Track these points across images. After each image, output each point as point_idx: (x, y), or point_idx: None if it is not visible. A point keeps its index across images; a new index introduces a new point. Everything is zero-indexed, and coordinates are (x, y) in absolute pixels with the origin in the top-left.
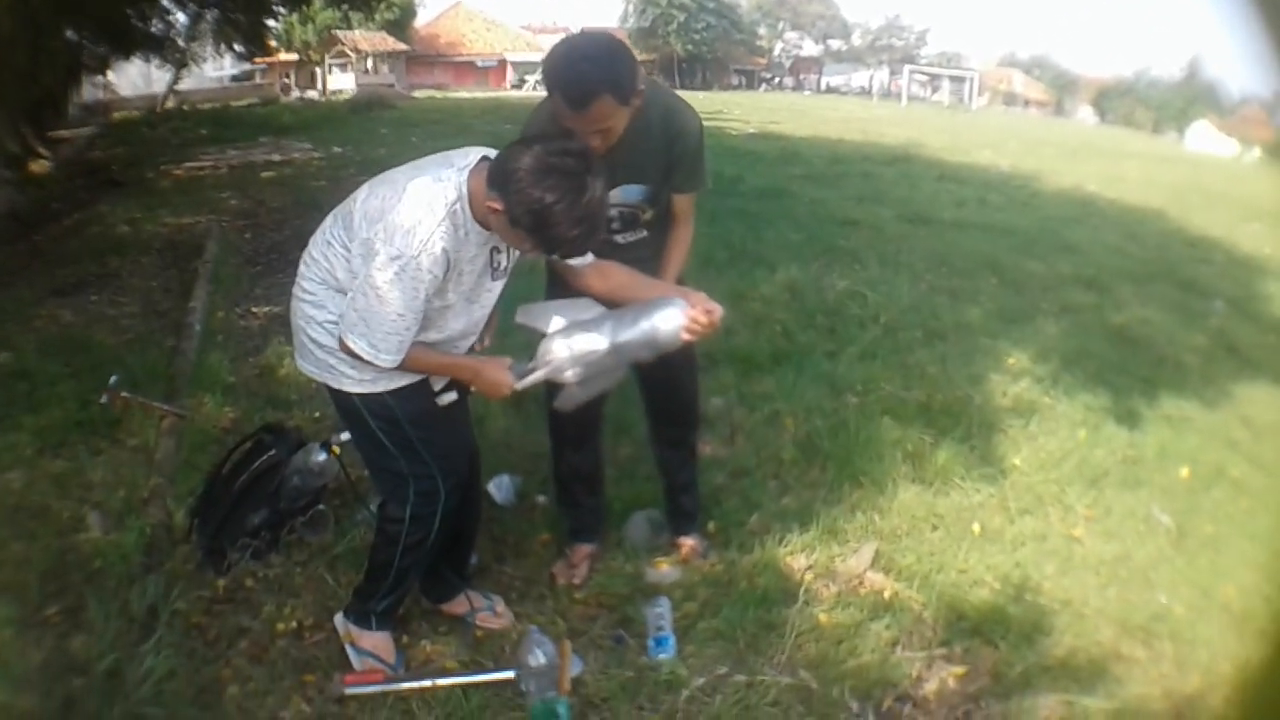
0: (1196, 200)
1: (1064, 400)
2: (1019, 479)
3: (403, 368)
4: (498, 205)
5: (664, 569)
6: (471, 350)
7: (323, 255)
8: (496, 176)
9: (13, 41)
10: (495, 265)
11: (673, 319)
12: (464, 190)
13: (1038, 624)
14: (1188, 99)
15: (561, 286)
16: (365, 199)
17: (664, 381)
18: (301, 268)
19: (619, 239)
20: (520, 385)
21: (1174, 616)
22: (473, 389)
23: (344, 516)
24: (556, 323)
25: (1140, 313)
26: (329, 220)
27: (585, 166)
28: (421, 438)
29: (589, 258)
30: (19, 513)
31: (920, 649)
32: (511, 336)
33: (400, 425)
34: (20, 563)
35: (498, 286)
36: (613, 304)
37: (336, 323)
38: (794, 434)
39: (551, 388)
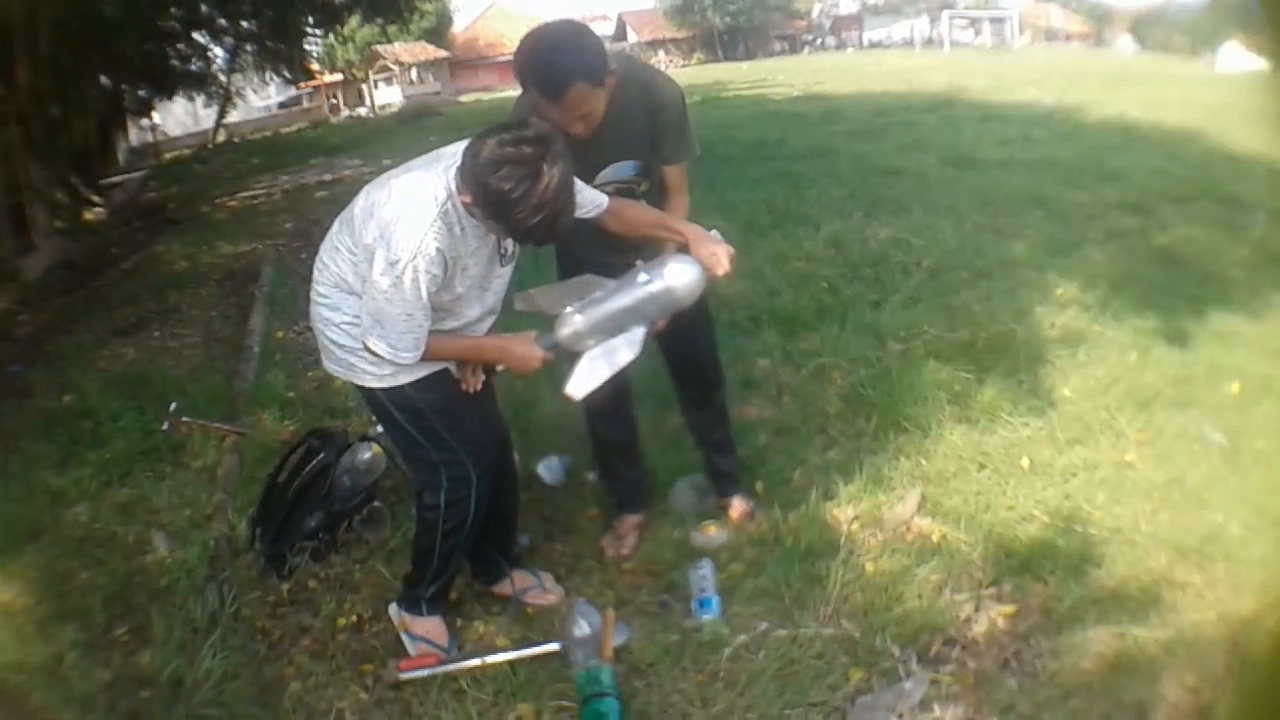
0: (1234, 119)
1: (1112, 325)
2: (1068, 409)
3: (427, 359)
4: (466, 198)
5: (711, 533)
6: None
7: (331, 260)
8: (463, 169)
9: (36, 93)
10: (503, 251)
11: (684, 274)
12: (452, 187)
13: (1087, 555)
14: (1216, 20)
15: (570, 262)
16: (363, 204)
17: (681, 343)
18: (315, 273)
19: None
20: (549, 354)
21: (1228, 537)
22: (499, 368)
23: (400, 511)
24: (562, 303)
25: (1185, 232)
26: (335, 225)
27: (542, 153)
28: (447, 425)
29: (603, 203)
30: (86, 543)
31: (968, 591)
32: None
33: (424, 415)
34: (87, 589)
35: (507, 271)
36: (630, 241)
37: (353, 323)
38: (839, 387)
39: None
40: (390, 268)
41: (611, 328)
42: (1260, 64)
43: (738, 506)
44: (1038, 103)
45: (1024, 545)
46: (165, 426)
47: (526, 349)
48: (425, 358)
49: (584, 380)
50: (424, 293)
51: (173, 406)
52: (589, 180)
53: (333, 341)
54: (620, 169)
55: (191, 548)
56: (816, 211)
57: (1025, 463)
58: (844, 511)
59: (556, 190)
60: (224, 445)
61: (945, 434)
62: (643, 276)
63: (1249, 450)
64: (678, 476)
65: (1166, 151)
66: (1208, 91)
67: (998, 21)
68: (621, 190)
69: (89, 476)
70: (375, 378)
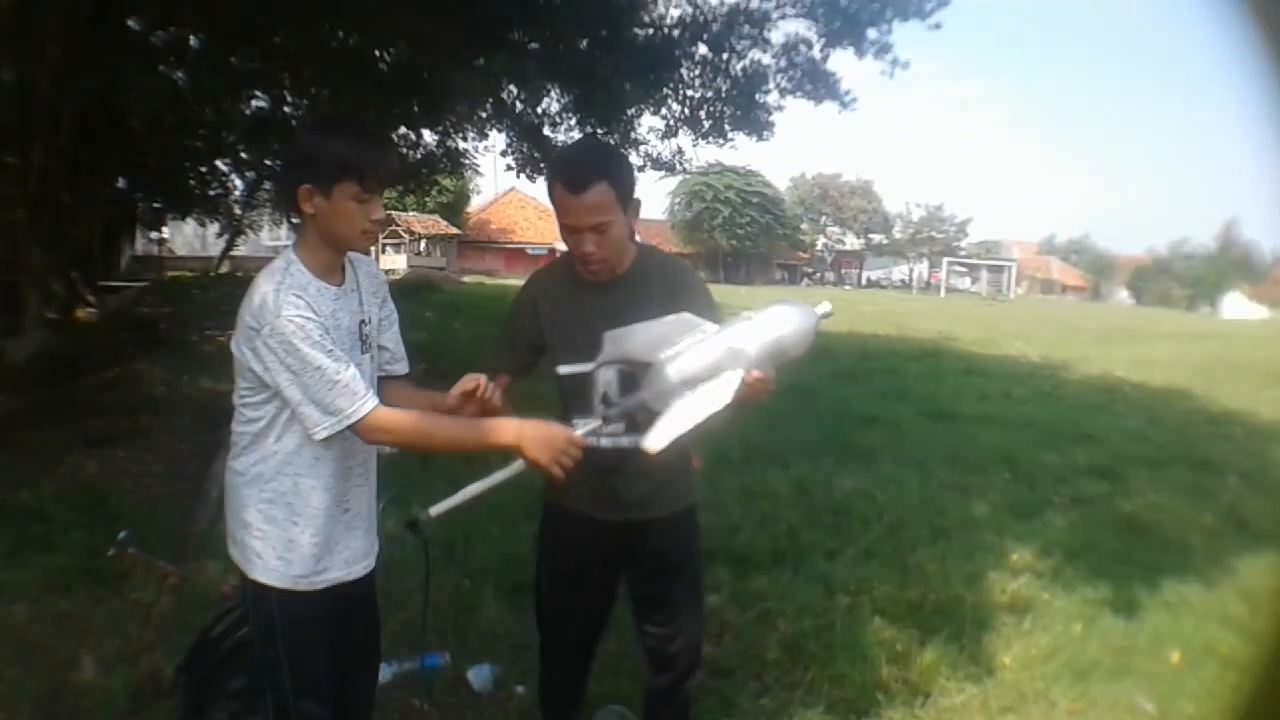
0: (1222, 374)
1: (1062, 595)
2: (1006, 677)
3: (411, 443)
4: (302, 188)
5: None
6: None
7: (241, 402)
8: (282, 183)
9: (49, 178)
10: (364, 337)
11: (793, 318)
12: (291, 255)
13: None
14: (1221, 271)
15: (575, 395)
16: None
17: (665, 623)
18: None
19: (605, 441)
20: (595, 427)
21: None
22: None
23: None
24: (654, 349)
25: (1152, 499)
26: None
27: (340, 114)
28: (292, 660)
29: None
30: (20, 643)
31: None
32: None
33: (274, 636)
34: (16, 686)
35: (368, 360)
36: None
37: (252, 481)
38: (782, 634)
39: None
40: (271, 338)
41: (705, 377)
42: (1262, 313)
43: None
44: (1023, 357)
45: None
46: (112, 552)
47: (553, 430)
48: (410, 442)
49: (665, 431)
50: (315, 336)
51: (122, 534)
52: (591, 354)
53: (231, 512)
54: None
55: (116, 678)
56: (788, 451)
57: None
58: None
59: (354, 119)
60: (165, 584)
61: (879, 694)
62: (747, 315)
63: (1178, 715)
64: (607, 703)
65: (1147, 413)
66: (1199, 347)
67: (996, 270)
68: (624, 374)
69: (33, 579)
70: (248, 562)
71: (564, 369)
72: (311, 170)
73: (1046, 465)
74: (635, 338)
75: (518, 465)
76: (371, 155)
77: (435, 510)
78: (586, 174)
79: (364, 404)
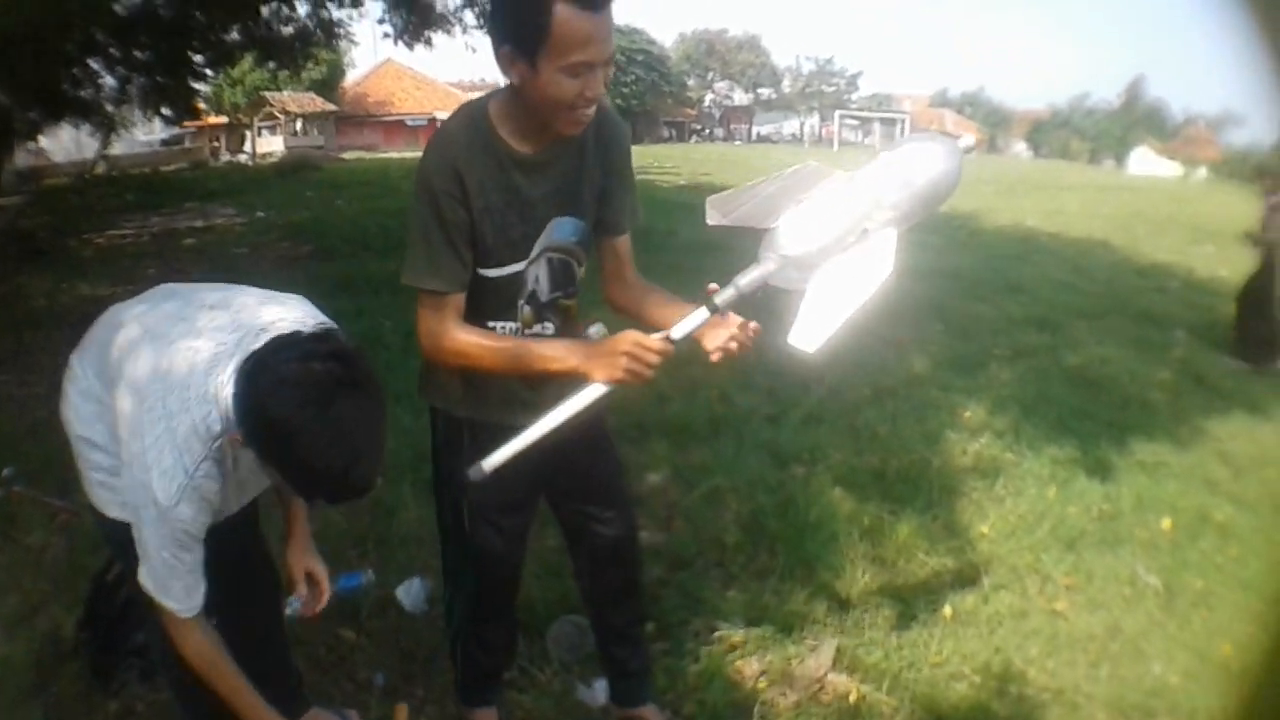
0: (1143, 228)
1: (1029, 455)
2: (989, 549)
3: (194, 667)
4: (238, 436)
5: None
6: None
7: (82, 372)
8: (238, 395)
9: None
10: None
11: (936, 158)
12: (231, 414)
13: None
14: (1126, 125)
15: (493, 295)
16: (126, 354)
17: (593, 503)
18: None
19: (545, 326)
20: (686, 331)
21: (1171, 688)
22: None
23: None
24: (767, 213)
25: (1098, 351)
26: (84, 352)
27: (336, 374)
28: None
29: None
30: None
31: None
32: None
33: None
34: None
35: None
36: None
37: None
38: (737, 513)
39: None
40: (146, 504)
41: (849, 242)
42: (1175, 169)
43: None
44: None
45: (954, 708)
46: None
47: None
48: (196, 669)
49: (818, 321)
50: (188, 539)
51: (6, 470)
52: (528, 248)
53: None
54: (561, 228)
55: (17, 643)
56: None
57: (948, 610)
58: (749, 665)
59: (353, 424)
60: (55, 523)
61: (859, 576)
62: (883, 158)
63: (1187, 592)
64: (558, 611)
65: (1071, 263)
66: (1111, 199)
67: (889, 123)
68: (556, 266)
69: None
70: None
71: (495, 273)
72: (247, 424)
73: (979, 317)
74: (739, 201)
75: (573, 401)
76: (313, 471)
77: (489, 464)
78: None
79: (182, 605)
